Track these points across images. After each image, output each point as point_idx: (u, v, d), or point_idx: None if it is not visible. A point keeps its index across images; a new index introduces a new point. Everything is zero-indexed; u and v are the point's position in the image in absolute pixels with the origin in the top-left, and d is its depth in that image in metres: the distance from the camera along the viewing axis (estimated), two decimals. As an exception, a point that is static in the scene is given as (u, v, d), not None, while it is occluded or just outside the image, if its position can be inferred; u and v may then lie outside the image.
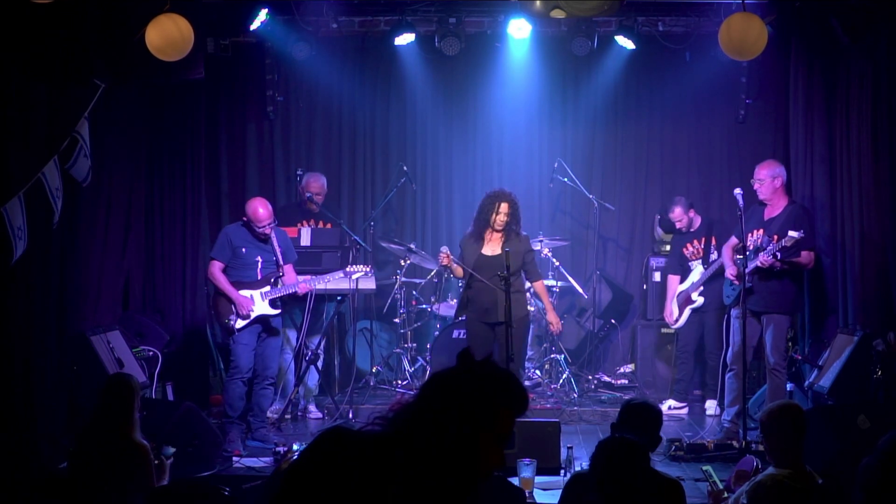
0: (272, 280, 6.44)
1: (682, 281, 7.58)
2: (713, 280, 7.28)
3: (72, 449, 4.47)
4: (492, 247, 6.38)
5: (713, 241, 7.42)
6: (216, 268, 6.43)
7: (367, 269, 6.89)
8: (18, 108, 5.62)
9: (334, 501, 1.82)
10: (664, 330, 7.99)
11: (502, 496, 3.65)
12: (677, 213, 7.58)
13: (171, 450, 4.60)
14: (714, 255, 7.33)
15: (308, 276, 6.64)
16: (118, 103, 6.76)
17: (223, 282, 6.38)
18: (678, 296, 7.54)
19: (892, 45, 6.19)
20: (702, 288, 7.38)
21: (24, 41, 5.57)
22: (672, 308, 7.59)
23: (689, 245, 7.57)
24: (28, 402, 5.60)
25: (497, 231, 6.38)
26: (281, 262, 6.48)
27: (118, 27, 6.12)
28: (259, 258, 6.44)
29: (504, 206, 6.33)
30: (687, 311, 7.47)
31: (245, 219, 6.44)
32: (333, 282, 6.74)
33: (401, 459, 1.87)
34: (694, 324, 7.49)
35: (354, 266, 6.87)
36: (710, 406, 7.36)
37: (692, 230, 7.60)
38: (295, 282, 6.50)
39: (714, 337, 7.37)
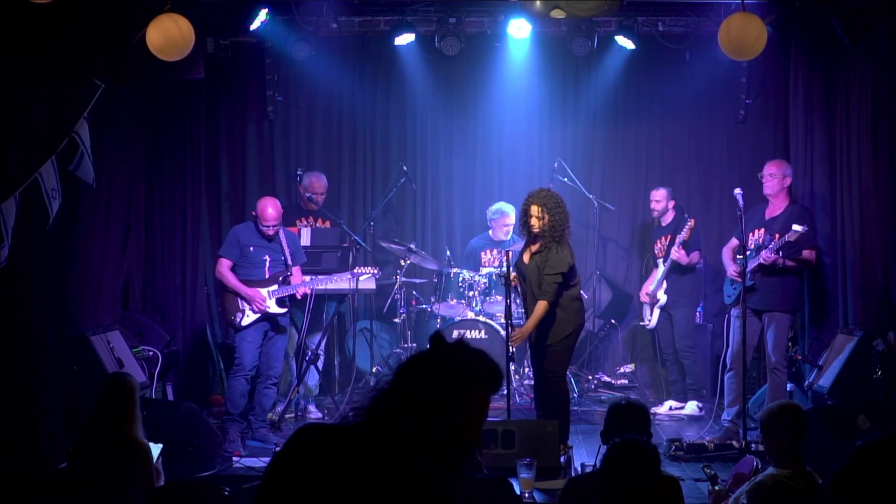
0: (280, 279, 6.46)
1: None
2: (674, 278, 7.32)
3: (72, 449, 4.46)
4: (529, 253, 5.86)
5: (676, 240, 7.38)
6: (224, 265, 6.46)
7: (375, 272, 6.93)
8: (18, 108, 5.62)
9: (320, 496, 1.82)
10: (648, 326, 7.98)
11: (498, 497, 3.64)
12: (659, 195, 7.53)
13: (158, 447, 4.59)
14: (674, 254, 7.31)
15: (311, 277, 6.68)
16: (118, 103, 6.76)
17: (232, 279, 6.41)
18: (649, 295, 7.55)
19: (892, 45, 6.18)
20: (665, 285, 7.40)
21: (24, 41, 5.57)
22: (646, 308, 7.63)
23: (658, 241, 7.57)
24: (28, 402, 5.60)
25: (536, 237, 5.79)
26: (290, 263, 6.52)
27: (118, 27, 6.12)
28: (267, 257, 6.48)
29: (532, 209, 5.72)
30: (657, 311, 7.48)
31: (255, 213, 6.48)
32: (334, 282, 6.76)
33: (384, 449, 1.88)
34: (667, 322, 7.49)
35: (361, 268, 6.91)
36: (691, 407, 7.27)
37: (662, 223, 7.57)
38: (301, 282, 6.54)
39: (685, 335, 7.34)
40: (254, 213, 6.54)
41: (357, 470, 1.84)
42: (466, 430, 1.95)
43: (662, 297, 7.42)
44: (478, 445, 1.98)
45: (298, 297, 6.52)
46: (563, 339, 5.79)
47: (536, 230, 5.72)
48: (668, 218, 7.55)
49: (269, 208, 6.41)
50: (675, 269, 7.32)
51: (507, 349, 5.87)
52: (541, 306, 5.66)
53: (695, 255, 7.32)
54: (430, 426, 1.91)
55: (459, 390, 1.94)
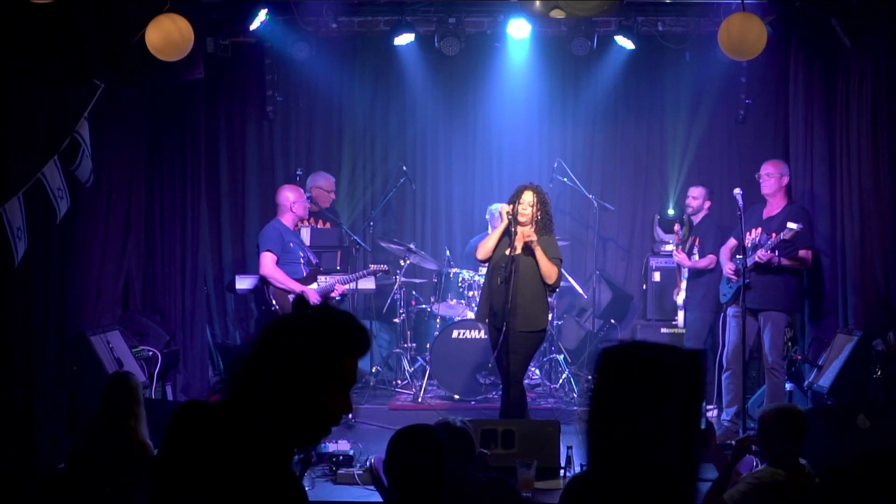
0: (315, 277, 6.50)
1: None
2: (691, 280, 7.33)
3: (72, 449, 4.47)
4: (516, 244, 5.82)
5: (696, 242, 7.37)
6: (273, 260, 6.39)
7: (384, 268, 7.16)
8: (18, 109, 5.62)
9: (204, 479, 1.80)
10: (664, 330, 7.99)
11: (498, 497, 3.65)
12: (696, 192, 7.45)
13: None
14: (696, 257, 7.30)
15: (338, 276, 6.78)
16: (118, 103, 6.75)
17: (284, 276, 6.36)
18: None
19: (892, 45, 6.19)
20: (684, 285, 7.43)
21: (24, 41, 5.57)
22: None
23: (689, 239, 7.54)
24: (28, 402, 5.60)
25: (522, 225, 5.84)
26: (314, 260, 6.59)
27: (118, 27, 6.12)
28: (301, 254, 6.54)
29: (527, 195, 5.82)
30: (681, 313, 7.50)
31: (306, 198, 6.67)
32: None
33: (251, 421, 1.82)
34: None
35: (374, 265, 7.15)
36: None
37: (694, 221, 7.51)
38: (336, 280, 6.62)
39: (693, 335, 7.27)
40: (296, 200, 6.62)
41: (232, 451, 1.80)
42: (335, 397, 1.90)
43: (680, 297, 7.45)
44: (348, 411, 1.93)
45: (336, 295, 6.56)
46: (535, 332, 5.82)
47: (524, 219, 5.80)
48: (699, 217, 7.45)
49: (291, 192, 6.66)
50: (693, 272, 7.31)
51: (509, 351, 5.83)
52: (548, 264, 5.72)
53: (704, 261, 7.18)
54: (300, 395, 1.85)
55: (324, 356, 1.87)
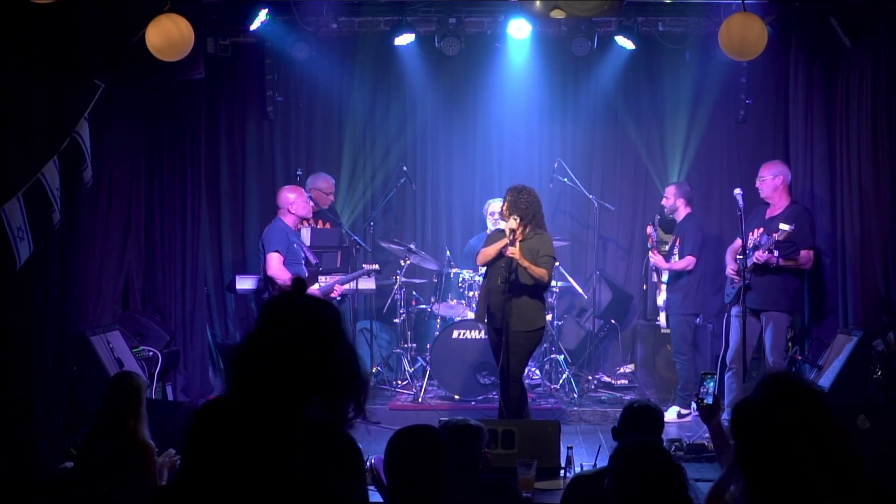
0: (315, 278, 6.53)
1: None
2: (671, 282, 7.31)
3: (72, 450, 4.46)
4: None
5: (677, 243, 7.34)
6: (280, 261, 6.41)
7: (375, 267, 7.17)
8: (18, 109, 5.62)
9: (237, 474, 1.86)
10: (664, 330, 7.98)
11: (498, 498, 3.64)
12: (667, 191, 7.48)
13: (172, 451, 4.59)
14: (675, 258, 7.28)
15: (336, 277, 6.80)
16: (118, 103, 6.76)
17: (290, 277, 6.42)
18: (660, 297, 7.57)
19: (892, 45, 6.19)
20: (664, 286, 7.41)
21: (24, 42, 5.57)
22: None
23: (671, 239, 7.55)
24: (28, 402, 5.60)
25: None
26: (313, 260, 6.63)
27: (118, 27, 6.13)
28: (302, 254, 6.58)
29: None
30: (663, 314, 7.49)
31: (307, 198, 6.72)
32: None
33: (284, 409, 1.92)
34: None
35: (367, 265, 7.17)
36: (671, 413, 7.13)
37: (676, 220, 7.47)
38: (335, 280, 6.66)
39: (678, 338, 7.25)
40: (295, 200, 6.65)
41: (264, 445, 1.86)
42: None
43: (661, 299, 7.43)
44: None
45: (336, 296, 6.60)
46: (533, 332, 5.83)
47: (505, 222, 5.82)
48: (680, 216, 7.39)
49: (291, 193, 6.59)
50: (673, 275, 7.30)
51: (507, 354, 5.83)
52: (538, 270, 5.71)
53: (682, 262, 7.14)
54: (328, 368, 1.98)
55: (337, 327, 2.03)
